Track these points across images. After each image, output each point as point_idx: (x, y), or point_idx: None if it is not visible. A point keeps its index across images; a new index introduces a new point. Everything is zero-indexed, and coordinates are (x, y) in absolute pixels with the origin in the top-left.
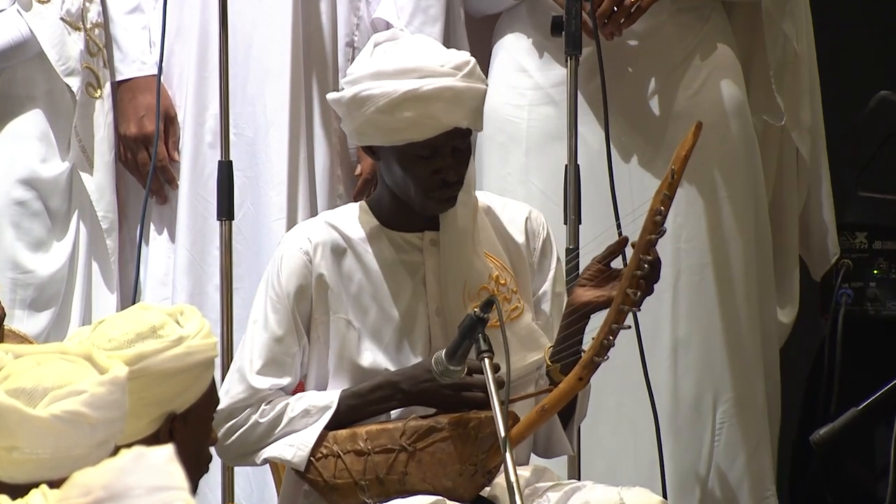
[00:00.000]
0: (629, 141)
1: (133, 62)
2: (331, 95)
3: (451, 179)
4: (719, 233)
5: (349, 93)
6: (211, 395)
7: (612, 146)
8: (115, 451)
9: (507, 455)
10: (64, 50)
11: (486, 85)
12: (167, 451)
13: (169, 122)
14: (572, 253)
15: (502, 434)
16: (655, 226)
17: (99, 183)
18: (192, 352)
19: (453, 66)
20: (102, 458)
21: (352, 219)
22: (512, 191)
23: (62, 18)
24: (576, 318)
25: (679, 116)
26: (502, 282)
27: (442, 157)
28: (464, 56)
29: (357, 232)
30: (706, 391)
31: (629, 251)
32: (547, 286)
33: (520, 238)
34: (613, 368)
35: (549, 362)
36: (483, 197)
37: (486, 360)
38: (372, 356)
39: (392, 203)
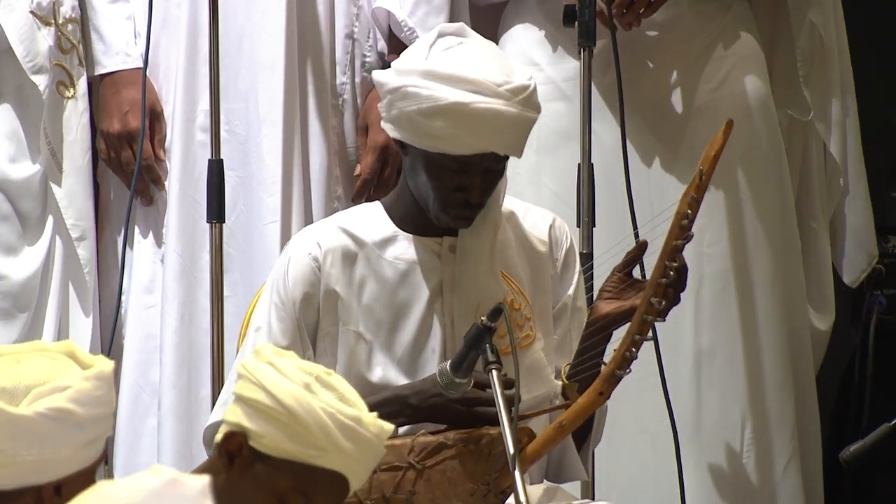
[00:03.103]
0: (646, 139)
1: (116, 54)
2: (377, 74)
3: (473, 201)
4: (741, 236)
5: (395, 82)
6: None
7: (627, 145)
8: (103, 455)
9: (517, 474)
10: (32, 45)
11: (539, 112)
12: (203, 482)
13: (154, 118)
14: (586, 259)
15: (511, 451)
16: (682, 230)
17: (69, 188)
18: None
19: (510, 90)
20: (92, 458)
21: (366, 221)
22: (521, 192)
23: (32, 12)
24: (595, 330)
25: (700, 112)
26: (516, 307)
27: (470, 176)
28: (524, 79)
29: (371, 235)
30: (733, 406)
31: (647, 257)
32: (567, 299)
33: (542, 247)
34: (632, 380)
35: (565, 380)
36: (504, 202)
37: (494, 372)
38: (382, 371)
39: (410, 205)
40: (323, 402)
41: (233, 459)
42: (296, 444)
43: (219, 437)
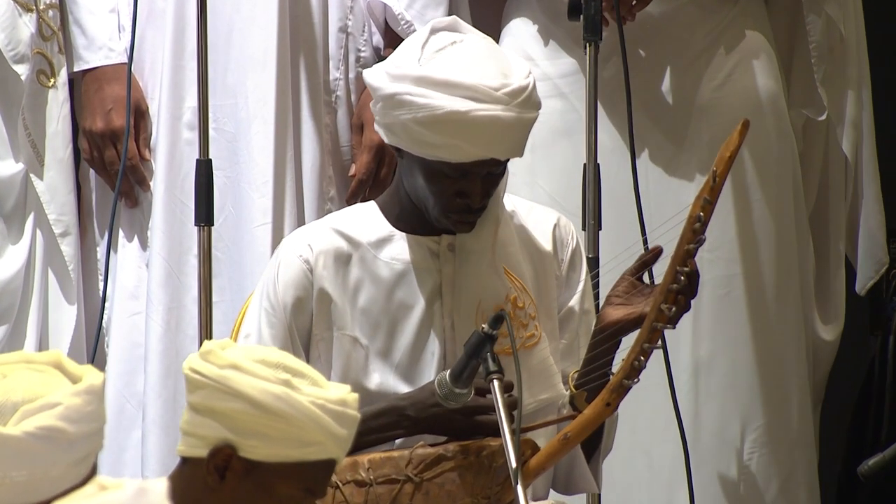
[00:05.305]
0: (647, 138)
1: (99, 49)
2: (367, 74)
3: (475, 206)
4: (751, 240)
5: (388, 89)
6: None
7: (629, 144)
8: (93, 471)
9: (519, 488)
10: (14, 33)
11: (539, 109)
12: (164, 485)
13: (139, 116)
14: (593, 263)
15: (513, 464)
16: (694, 234)
17: (51, 182)
18: None
19: (508, 93)
20: (82, 475)
21: (360, 221)
22: (517, 192)
23: None
24: (604, 338)
25: (703, 110)
26: (520, 305)
27: (470, 181)
28: (522, 78)
29: (366, 236)
30: (732, 418)
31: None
32: (574, 302)
33: (546, 247)
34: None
35: (573, 388)
36: (507, 200)
37: (496, 382)
38: (380, 377)
39: (406, 203)
40: (310, 396)
41: (223, 474)
42: (291, 445)
43: (198, 452)
